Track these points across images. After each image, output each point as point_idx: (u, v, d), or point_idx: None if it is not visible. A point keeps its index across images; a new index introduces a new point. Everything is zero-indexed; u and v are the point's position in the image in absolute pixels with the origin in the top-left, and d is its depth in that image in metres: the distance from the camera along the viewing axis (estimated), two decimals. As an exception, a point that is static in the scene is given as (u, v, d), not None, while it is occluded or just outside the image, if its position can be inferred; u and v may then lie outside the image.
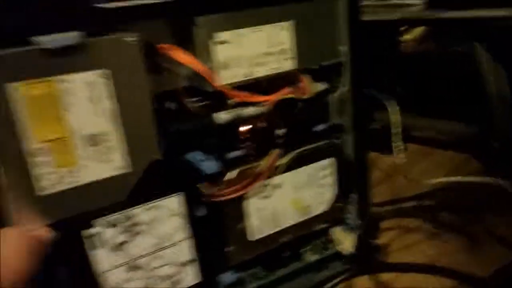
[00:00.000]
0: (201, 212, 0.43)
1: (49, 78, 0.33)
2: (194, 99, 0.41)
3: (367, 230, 0.52)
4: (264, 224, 0.46)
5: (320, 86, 0.46)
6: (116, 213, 0.38)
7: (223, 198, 0.43)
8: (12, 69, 0.31)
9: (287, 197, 0.47)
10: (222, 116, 0.41)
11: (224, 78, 0.39)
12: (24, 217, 0.34)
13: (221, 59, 0.38)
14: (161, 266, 0.41)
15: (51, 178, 0.34)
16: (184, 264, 0.43)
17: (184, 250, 0.42)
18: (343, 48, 0.45)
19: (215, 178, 0.42)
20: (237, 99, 0.40)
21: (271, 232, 0.47)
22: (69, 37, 0.32)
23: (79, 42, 0.33)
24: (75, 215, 0.36)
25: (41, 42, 0.32)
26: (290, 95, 0.43)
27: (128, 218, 0.39)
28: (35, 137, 0.33)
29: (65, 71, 0.33)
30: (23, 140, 0.33)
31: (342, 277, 0.50)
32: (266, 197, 0.46)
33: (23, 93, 0.32)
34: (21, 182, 0.33)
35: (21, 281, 0.31)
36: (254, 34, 0.39)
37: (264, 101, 0.41)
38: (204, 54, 0.38)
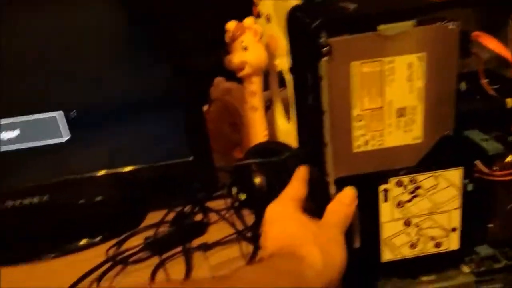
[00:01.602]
0: (473, 187, 0.46)
1: (380, 59, 0.39)
2: (486, 81, 0.44)
3: None
4: (531, 209, 0.48)
5: None
6: (406, 176, 0.44)
7: (497, 179, 0.45)
8: (356, 50, 0.39)
9: (562, 187, 0.47)
10: (514, 101, 0.43)
11: (530, 66, 0.41)
12: (340, 168, 0.43)
13: (531, 48, 0.40)
14: (430, 227, 0.47)
15: (364, 139, 0.42)
16: (449, 230, 0.47)
17: (453, 218, 0.47)
18: None
19: (496, 159, 0.45)
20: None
21: (536, 217, 0.48)
22: (404, 26, 0.38)
23: (411, 30, 0.39)
24: (376, 172, 0.44)
25: (382, 29, 0.38)
26: None
27: (414, 181, 0.45)
28: (360, 105, 0.41)
29: (393, 53, 0.39)
30: (352, 107, 0.41)
31: None
32: (539, 183, 0.46)
33: (359, 70, 0.40)
34: (343, 140, 0.42)
35: None
36: None
37: None
38: (514, 43, 0.40)
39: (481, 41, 0.40)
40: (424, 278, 0.51)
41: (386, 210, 0.46)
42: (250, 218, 0.66)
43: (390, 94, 0.41)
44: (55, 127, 0.63)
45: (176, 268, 0.60)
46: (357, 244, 0.47)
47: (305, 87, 0.42)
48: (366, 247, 0.47)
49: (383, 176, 0.44)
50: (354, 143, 0.42)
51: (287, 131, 0.75)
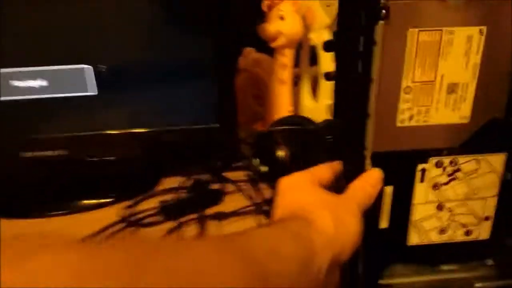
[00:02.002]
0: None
1: (439, 28, 0.38)
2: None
3: None
4: None
5: None
6: (446, 157, 0.43)
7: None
8: (416, 16, 0.37)
9: None
10: None
11: None
12: (380, 142, 0.41)
13: None
14: (463, 214, 0.45)
15: (409, 113, 0.40)
16: (482, 219, 0.46)
17: (488, 206, 0.45)
18: None
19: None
20: None
21: None
22: (470, -6, 0.36)
23: (477, 1, 0.37)
24: (416, 150, 0.42)
25: (446, -4, 0.36)
26: None
27: (454, 163, 0.43)
28: (411, 77, 0.39)
29: (454, 24, 0.37)
30: (403, 78, 0.39)
31: None
32: None
33: (416, 38, 0.38)
34: (388, 112, 0.40)
35: None
36: None
37: None
38: None
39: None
40: (445, 267, 0.50)
41: (420, 191, 0.44)
42: (268, 192, 0.65)
43: (443, 67, 0.39)
44: (82, 81, 0.61)
45: (190, 234, 0.59)
46: (384, 224, 0.46)
47: (354, 54, 0.40)
48: (393, 228, 0.46)
49: (423, 155, 0.43)
50: (398, 116, 0.40)
51: (312, 109, 0.73)
